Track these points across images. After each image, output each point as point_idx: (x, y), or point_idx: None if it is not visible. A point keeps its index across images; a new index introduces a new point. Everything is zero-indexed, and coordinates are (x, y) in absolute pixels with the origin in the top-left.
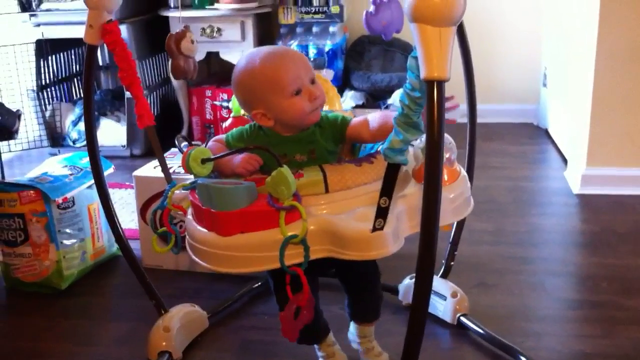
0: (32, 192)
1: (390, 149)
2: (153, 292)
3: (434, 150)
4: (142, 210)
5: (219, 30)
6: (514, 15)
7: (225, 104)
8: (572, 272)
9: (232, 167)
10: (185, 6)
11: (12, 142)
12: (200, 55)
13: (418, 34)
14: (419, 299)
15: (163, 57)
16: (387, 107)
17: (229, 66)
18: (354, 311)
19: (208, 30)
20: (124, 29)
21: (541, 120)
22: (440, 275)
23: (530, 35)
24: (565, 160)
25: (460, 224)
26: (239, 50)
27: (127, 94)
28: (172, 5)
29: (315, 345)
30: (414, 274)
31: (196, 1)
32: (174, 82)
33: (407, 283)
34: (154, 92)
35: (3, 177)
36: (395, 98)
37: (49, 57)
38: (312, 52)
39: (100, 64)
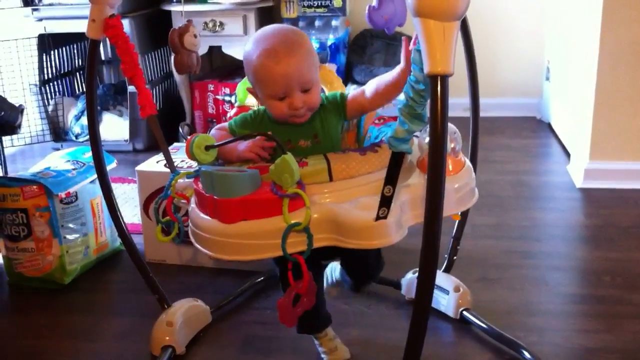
0: (35, 186)
1: (394, 137)
2: (156, 286)
3: (437, 145)
4: (145, 205)
5: (221, 24)
6: (517, 9)
7: (227, 98)
8: (574, 266)
9: (237, 154)
10: (187, 0)
11: (14, 136)
12: (202, 50)
13: (422, 29)
14: (422, 294)
15: (166, 51)
16: None
17: (231, 60)
18: (353, 287)
19: (210, 25)
20: (126, 24)
21: (544, 114)
22: (443, 270)
23: (533, 29)
24: (568, 154)
25: (463, 219)
26: (242, 44)
27: (130, 88)
28: (174, 0)
29: (316, 341)
30: (417, 269)
31: None
32: (177, 76)
33: (410, 277)
34: (157, 87)
35: (6, 172)
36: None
37: (52, 52)
38: (314, 46)
39: (103, 58)
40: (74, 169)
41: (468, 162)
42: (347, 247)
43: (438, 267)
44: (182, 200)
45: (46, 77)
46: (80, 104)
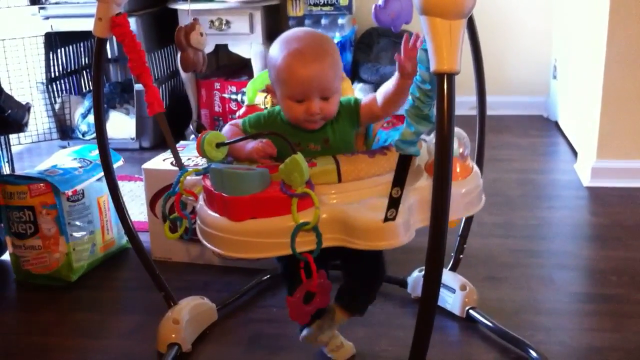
0: (42, 184)
1: (401, 140)
2: (162, 284)
3: (444, 144)
4: (152, 203)
5: (227, 22)
6: (524, 7)
7: (234, 96)
8: (581, 265)
9: (245, 152)
10: None
11: (21, 134)
12: (209, 48)
13: (428, 27)
14: (428, 292)
15: (172, 49)
16: None
17: (238, 59)
18: (344, 296)
19: (217, 23)
20: (133, 22)
21: (551, 112)
22: (449, 268)
23: (540, 27)
24: (575, 153)
25: (470, 217)
26: (248, 42)
27: (137, 86)
28: None
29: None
30: (423, 267)
31: None
32: (183, 74)
33: (416, 276)
34: (163, 85)
35: (13, 169)
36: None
37: (58, 50)
38: None
39: (110, 56)
40: (80, 167)
41: (476, 167)
42: (354, 247)
43: (444, 265)
44: (190, 197)
45: (53, 75)
46: (87, 102)
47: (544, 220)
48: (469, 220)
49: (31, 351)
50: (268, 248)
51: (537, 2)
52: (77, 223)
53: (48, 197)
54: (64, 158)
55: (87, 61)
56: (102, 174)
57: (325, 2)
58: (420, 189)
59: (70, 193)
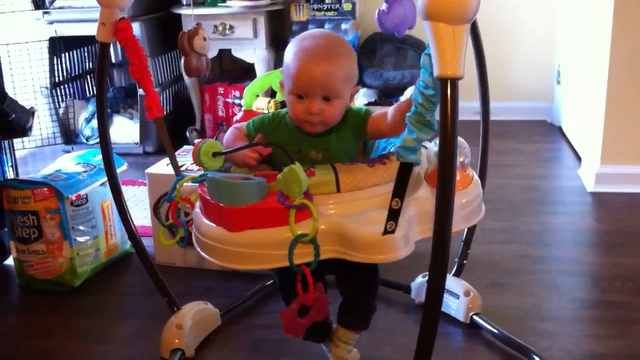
0: (45, 189)
1: (402, 147)
2: (165, 289)
3: (447, 148)
4: (155, 208)
5: (231, 27)
6: (528, 13)
7: (237, 101)
8: (585, 271)
9: (240, 159)
10: (197, 4)
11: (25, 139)
12: (212, 53)
13: (431, 32)
14: (432, 298)
15: (175, 54)
16: None
17: (241, 63)
18: (344, 315)
19: (220, 28)
20: (136, 27)
21: (555, 117)
22: (453, 274)
23: (543, 32)
24: (579, 158)
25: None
26: (251, 47)
27: (140, 91)
28: (184, 3)
29: (324, 347)
30: (426, 273)
31: None
32: (187, 79)
33: (420, 281)
34: (167, 90)
35: (17, 174)
36: (407, 95)
37: (62, 55)
38: None
39: (113, 61)
40: (84, 172)
41: (476, 177)
42: (352, 260)
43: (448, 271)
44: (186, 205)
45: (57, 80)
46: (91, 107)
47: (547, 226)
48: (473, 226)
49: (33, 355)
50: (264, 260)
51: (540, 7)
52: (81, 228)
53: (52, 202)
54: (68, 163)
55: (91, 66)
56: (105, 178)
57: (329, 7)
58: (420, 200)
59: (74, 198)
